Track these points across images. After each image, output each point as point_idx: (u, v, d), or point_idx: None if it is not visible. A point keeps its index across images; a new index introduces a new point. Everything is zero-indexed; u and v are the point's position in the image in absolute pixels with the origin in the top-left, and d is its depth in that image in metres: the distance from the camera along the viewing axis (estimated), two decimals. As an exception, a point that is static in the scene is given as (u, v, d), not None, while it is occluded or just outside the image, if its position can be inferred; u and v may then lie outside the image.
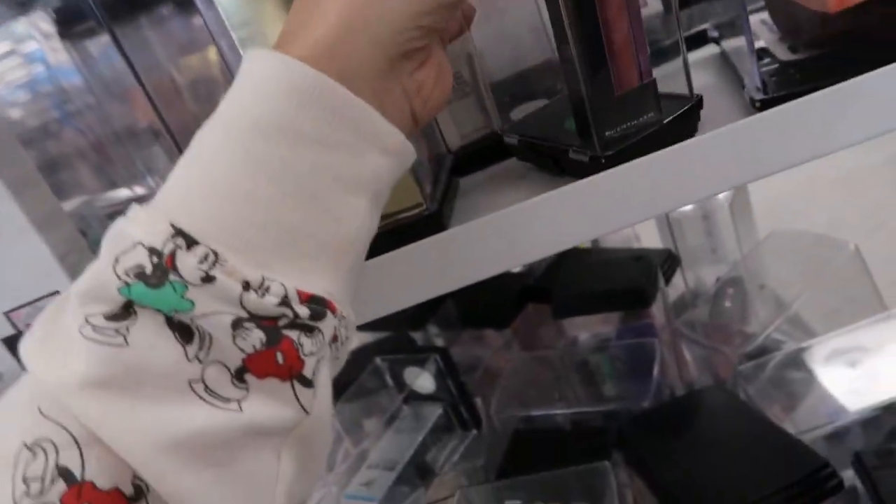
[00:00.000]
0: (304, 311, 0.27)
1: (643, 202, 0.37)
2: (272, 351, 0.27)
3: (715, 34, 0.54)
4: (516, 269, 1.02)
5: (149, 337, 0.26)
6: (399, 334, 0.86)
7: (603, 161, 0.38)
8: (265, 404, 0.27)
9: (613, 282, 0.76)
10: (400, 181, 0.46)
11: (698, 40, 0.56)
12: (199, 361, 0.27)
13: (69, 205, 0.63)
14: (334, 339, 0.30)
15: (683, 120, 0.40)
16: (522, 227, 0.38)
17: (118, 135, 0.58)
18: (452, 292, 0.93)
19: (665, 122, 0.39)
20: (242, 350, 0.27)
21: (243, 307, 0.26)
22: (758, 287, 0.81)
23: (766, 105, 0.37)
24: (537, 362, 0.82)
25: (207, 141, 0.29)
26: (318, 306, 0.28)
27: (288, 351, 0.27)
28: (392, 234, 0.41)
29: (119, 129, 0.57)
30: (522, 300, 0.86)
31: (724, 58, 0.52)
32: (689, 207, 0.90)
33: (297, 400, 0.28)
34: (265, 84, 0.29)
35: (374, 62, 0.31)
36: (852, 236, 0.76)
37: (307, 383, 0.28)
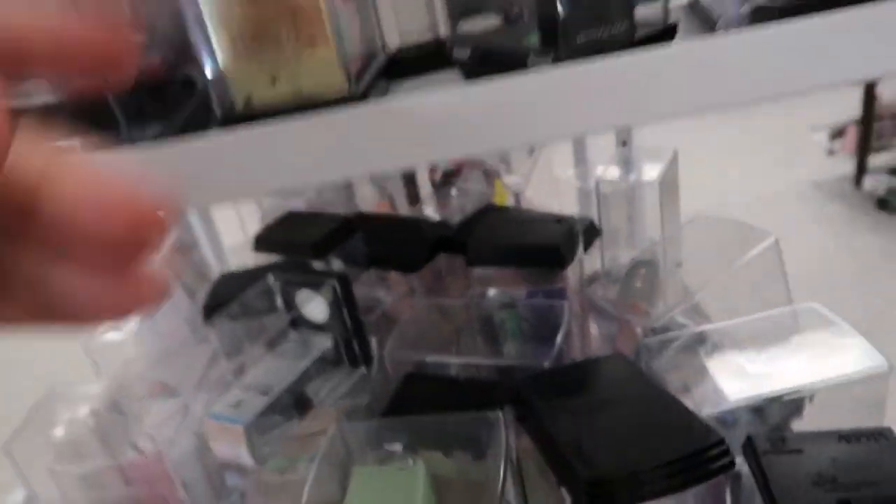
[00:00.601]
0: None
1: (586, 112, 0.33)
2: None
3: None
4: (434, 218, 0.98)
5: None
6: (299, 260, 0.80)
7: (567, 66, 0.34)
8: None
9: (532, 237, 0.73)
10: (323, 60, 0.40)
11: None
12: None
13: None
14: None
15: (655, 42, 0.36)
16: (452, 119, 0.33)
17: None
18: (363, 229, 0.88)
19: (636, 38, 0.35)
20: None
21: None
22: (673, 269, 0.80)
23: (740, 38, 0.34)
24: (441, 311, 0.78)
25: None
26: None
27: None
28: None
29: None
30: (435, 248, 0.82)
31: (693, 5, 0.48)
32: (616, 179, 0.87)
33: None
34: None
35: None
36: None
37: None
